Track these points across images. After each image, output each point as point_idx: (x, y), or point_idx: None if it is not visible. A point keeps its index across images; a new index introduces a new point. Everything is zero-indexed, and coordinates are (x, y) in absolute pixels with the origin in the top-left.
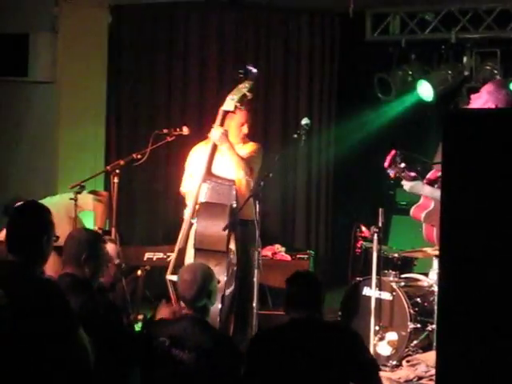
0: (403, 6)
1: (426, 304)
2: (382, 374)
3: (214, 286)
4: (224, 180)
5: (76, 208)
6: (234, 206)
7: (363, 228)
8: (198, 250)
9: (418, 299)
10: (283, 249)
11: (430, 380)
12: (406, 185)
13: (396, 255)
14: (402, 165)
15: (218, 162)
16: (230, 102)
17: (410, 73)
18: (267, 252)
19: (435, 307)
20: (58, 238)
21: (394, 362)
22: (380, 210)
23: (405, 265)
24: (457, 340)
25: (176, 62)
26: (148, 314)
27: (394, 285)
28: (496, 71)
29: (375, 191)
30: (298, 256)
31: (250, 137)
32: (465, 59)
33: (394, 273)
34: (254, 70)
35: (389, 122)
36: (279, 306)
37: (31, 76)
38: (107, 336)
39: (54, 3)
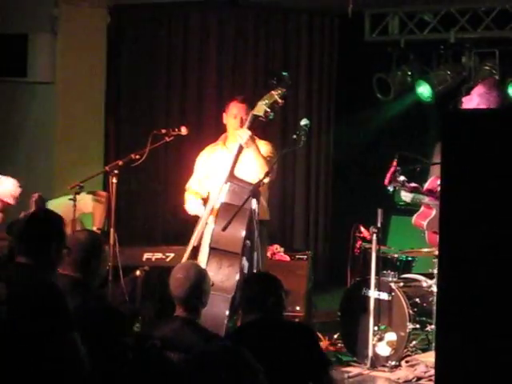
0: (402, 6)
1: (425, 304)
2: (381, 374)
3: (207, 285)
4: (246, 183)
5: (75, 209)
6: (254, 208)
7: (362, 228)
8: (212, 249)
9: (417, 299)
10: (282, 249)
11: (430, 380)
12: (407, 196)
13: (395, 255)
14: (402, 178)
15: (238, 165)
16: (260, 107)
17: (409, 73)
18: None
19: (434, 307)
20: (69, 249)
21: (393, 363)
22: (379, 210)
23: (404, 265)
24: (456, 340)
25: (175, 63)
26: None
27: (393, 285)
28: (495, 71)
29: (374, 191)
30: (296, 256)
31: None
32: (464, 59)
33: (392, 273)
34: (287, 77)
35: (388, 122)
36: None
37: (30, 76)
38: (101, 339)
39: (54, 4)
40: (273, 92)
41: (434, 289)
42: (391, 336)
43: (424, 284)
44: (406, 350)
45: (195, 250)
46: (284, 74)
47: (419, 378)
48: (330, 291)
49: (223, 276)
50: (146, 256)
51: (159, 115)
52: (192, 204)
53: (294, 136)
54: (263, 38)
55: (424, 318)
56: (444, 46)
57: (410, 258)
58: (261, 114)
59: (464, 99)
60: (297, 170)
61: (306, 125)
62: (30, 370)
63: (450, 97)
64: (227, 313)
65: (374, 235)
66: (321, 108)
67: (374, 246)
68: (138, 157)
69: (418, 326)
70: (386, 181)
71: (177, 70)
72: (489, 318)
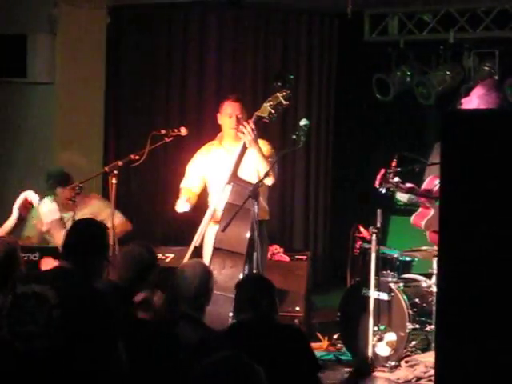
0: (401, 7)
1: (424, 304)
2: (380, 374)
3: (212, 284)
4: (249, 184)
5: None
6: (254, 208)
7: (362, 229)
8: (215, 249)
9: (417, 300)
10: (282, 249)
11: (429, 381)
12: (403, 197)
13: (395, 256)
14: (396, 179)
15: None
16: (265, 109)
17: (409, 73)
18: None
19: (434, 308)
20: (110, 261)
21: (393, 363)
22: (378, 210)
23: (403, 265)
24: (455, 340)
25: (175, 63)
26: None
27: (392, 285)
28: (494, 71)
29: (373, 192)
30: (296, 257)
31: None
32: (463, 60)
33: (392, 273)
34: (292, 79)
35: (387, 122)
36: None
37: (30, 77)
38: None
39: (53, 4)
40: (278, 94)
41: (434, 289)
42: (391, 336)
43: (424, 284)
44: (405, 350)
45: (196, 251)
46: (291, 76)
47: (419, 378)
48: (330, 291)
49: (226, 276)
50: None
51: (159, 116)
52: (178, 203)
53: (294, 136)
54: (263, 38)
55: (423, 318)
56: (443, 47)
57: (409, 259)
58: (265, 115)
59: (463, 101)
60: (296, 170)
61: (305, 125)
62: (80, 373)
63: (449, 97)
64: (231, 313)
65: (374, 235)
66: (320, 108)
67: (373, 246)
68: (137, 157)
69: (417, 326)
70: (377, 183)
71: (176, 71)
72: (488, 319)
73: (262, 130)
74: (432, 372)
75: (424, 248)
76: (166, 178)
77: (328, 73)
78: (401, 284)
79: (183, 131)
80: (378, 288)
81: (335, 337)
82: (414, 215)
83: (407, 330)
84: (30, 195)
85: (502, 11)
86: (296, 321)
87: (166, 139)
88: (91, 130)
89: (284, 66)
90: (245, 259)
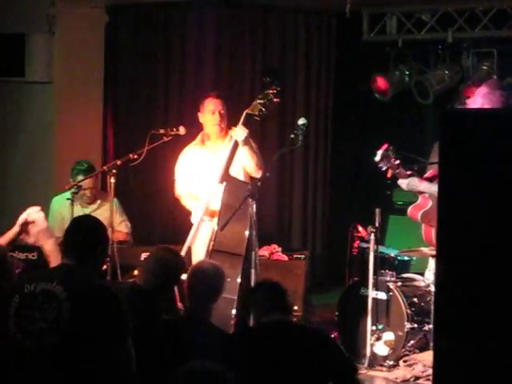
0: (400, 6)
1: (422, 304)
2: (379, 373)
3: (223, 286)
4: (241, 182)
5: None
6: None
7: (360, 228)
8: (215, 252)
9: (415, 299)
10: (280, 249)
11: (427, 380)
12: (403, 183)
13: (393, 255)
14: (397, 162)
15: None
16: (255, 106)
17: (407, 73)
18: (264, 252)
19: (432, 307)
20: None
21: (391, 362)
22: (377, 210)
23: (402, 265)
24: (454, 340)
25: (173, 62)
26: None
27: (390, 285)
28: (493, 71)
29: (372, 191)
30: (294, 256)
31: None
32: (462, 59)
33: (390, 273)
34: (279, 72)
35: (385, 121)
36: None
37: (28, 76)
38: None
39: (51, 3)
40: (268, 91)
41: (432, 288)
42: (389, 335)
43: (422, 283)
44: (403, 350)
45: (190, 251)
46: (276, 72)
47: (417, 378)
48: (328, 291)
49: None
50: (143, 255)
51: (157, 115)
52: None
53: (292, 135)
54: (261, 37)
55: (422, 318)
56: (442, 46)
57: (407, 258)
58: (255, 112)
59: (468, 101)
60: (294, 169)
61: (303, 124)
62: (89, 369)
63: (447, 96)
64: (233, 313)
65: (372, 235)
66: (318, 107)
67: (371, 245)
68: (136, 156)
69: (415, 325)
70: (377, 157)
71: (175, 70)
72: (487, 318)
73: (261, 131)
74: (430, 371)
75: (422, 249)
76: (165, 177)
77: (326, 72)
78: (399, 283)
79: (182, 130)
80: (377, 287)
81: (333, 336)
82: (410, 207)
83: (405, 330)
84: (31, 215)
85: (500, 11)
86: (294, 320)
87: (165, 138)
88: (89, 128)
89: (280, 64)
90: (243, 260)
